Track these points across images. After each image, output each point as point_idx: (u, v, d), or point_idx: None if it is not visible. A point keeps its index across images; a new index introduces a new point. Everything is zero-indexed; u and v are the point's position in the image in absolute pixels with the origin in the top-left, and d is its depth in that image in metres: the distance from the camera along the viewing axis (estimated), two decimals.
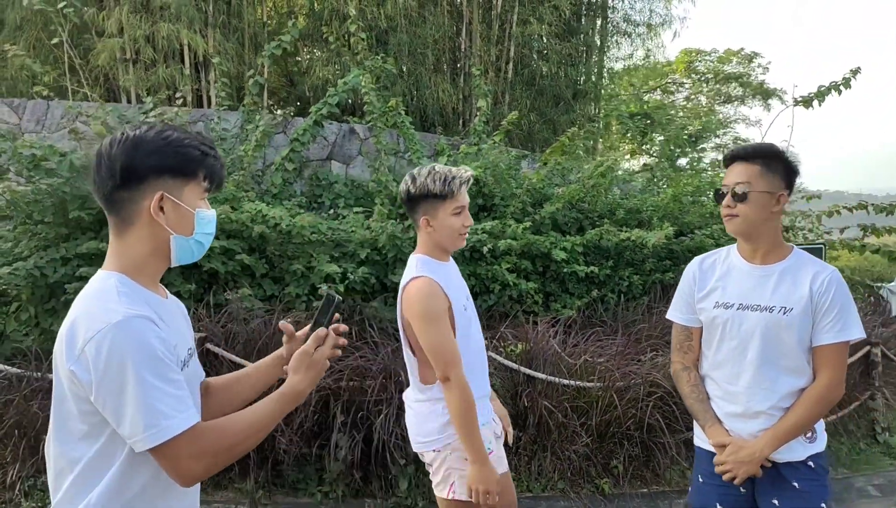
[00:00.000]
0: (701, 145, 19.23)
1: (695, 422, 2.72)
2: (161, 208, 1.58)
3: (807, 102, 7.35)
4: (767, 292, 2.53)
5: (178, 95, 7.01)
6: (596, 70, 13.29)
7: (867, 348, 6.44)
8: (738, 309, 2.57)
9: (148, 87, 9.10)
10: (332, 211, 7.28)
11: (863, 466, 6.04)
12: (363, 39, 7.78)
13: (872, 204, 7.61)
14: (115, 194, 1.57)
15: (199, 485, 1.70)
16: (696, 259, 2.78)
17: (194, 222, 1.63)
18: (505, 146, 7.89)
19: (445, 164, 6.81)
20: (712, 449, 2.62)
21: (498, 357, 5.20)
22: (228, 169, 7.13)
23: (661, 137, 9.15)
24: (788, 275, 2.53)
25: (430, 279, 2.66)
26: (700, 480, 2.73)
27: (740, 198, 2.50)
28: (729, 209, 2.54)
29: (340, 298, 1.83)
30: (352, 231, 6.31)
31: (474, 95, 8.36)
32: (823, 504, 2.49)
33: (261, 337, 5.12)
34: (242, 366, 4.83)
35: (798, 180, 2.68)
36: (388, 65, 8.11)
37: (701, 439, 2.71)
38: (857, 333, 2.47)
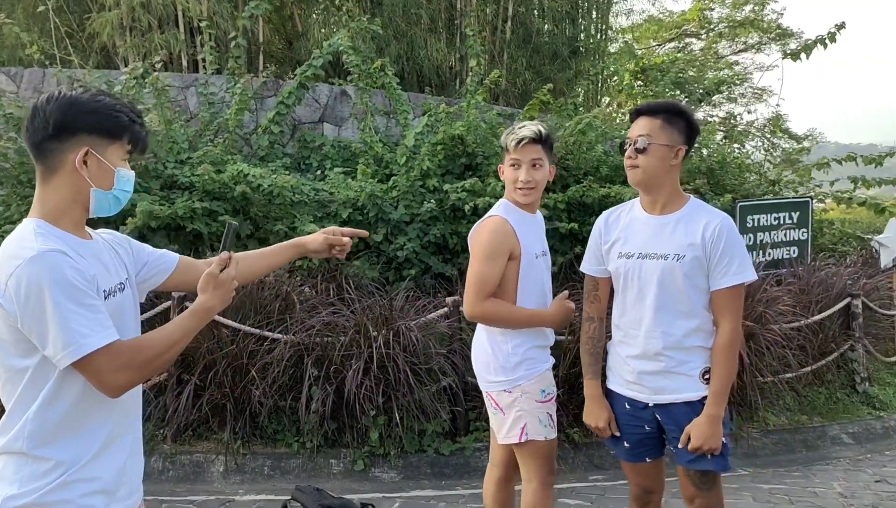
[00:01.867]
0: (714, 98, 19.02)
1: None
2: (85, 163, 1.75)
3: (794, 55, 7.29)
4: (664, 240, 2.64)
5: (157, 60, 7.08)
6: (602, 26, 13.17)
7: (848, 299, 6.47)
8: (637, 258, 2.69)
9: (143, 53, 9.20)
10: (319, 172, 7.38)
11: (840, 415, 6.12)
12: (348, 0, 7.79)
13: (861, 156, 7.56)
14: (45, 143, 1.74)
15: (129, 403, 1.87)
16: (604, 213, 2.90)
17: (114, 179, 1.80)
18: (489, 104, 7.90)
19: (425, 124, 6.89)
20: (620, 392, 2.79)
21: None
22: (215, 131, 7.25)
23: (652, 93, 9.07)
24: (682, 223, 2.63)
25: (504, 219, 2.89)
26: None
27: (641, 150, 2.60)
28: (631, 161, 2.64)
29: (236, 224, 2.08)
30: (333, 191, 6.42)
31: (469, 56, 8.35)
32: (724, 438, 2.60)
33: (237, 294, 5.27)
34: (223, 324, 5.02)
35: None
36: (375, 25, 8.12)
37: (611, 383, 2.86)
38: (749, 275, 2.58)
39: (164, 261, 2.13)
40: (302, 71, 7.48)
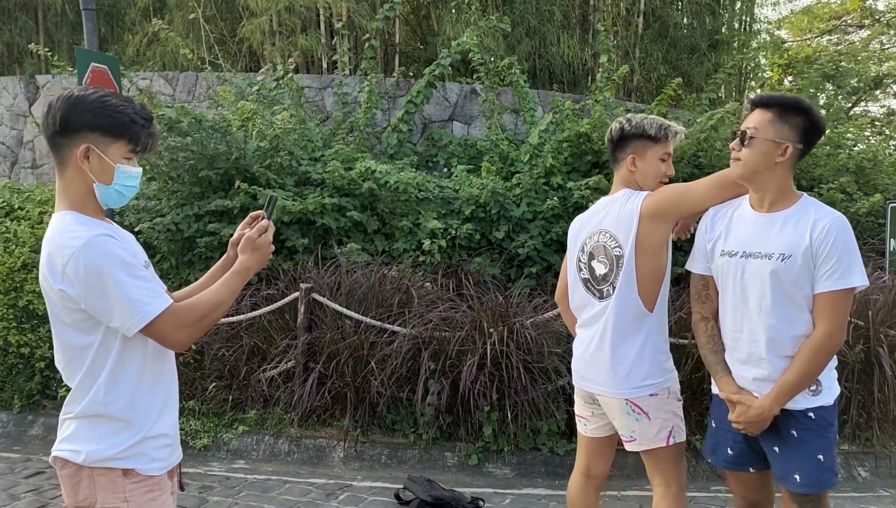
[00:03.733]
0: (874, 93, 17.64)
1: None
2: (87, 158, 1.91)
3: None
4: (770, 239, 2.49)
5: (291, 62, 7.44)
6: (745, 18, 12.53)
7: None
8: (741, 257, 2.55)
9: (287, 55, 9.68)
10: (445, 170, 7.49)
11: None
12: None
13: None
14: (55, 138, 1.91)
15: (173, 365, 2.10)
16: (711, 209, 2.74)
17: (114, 175, 1.94)
18: (619, 101, 7.72)
19: (550, 122, 6.83)
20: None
21: None
22: (348, 130, 7.53)
23: (798, 87, 8.52)
24: (791, 222, 2.48)
25: None
26: (713, 425, 2.78)
27: (745, 142, 2.48)
28: (735, 152, 2.53)
29: (276, 197, 2.24)
30: (458, 188, 6.50)
31: (601, 51, 8.19)
32: (820, 457, 2.46)
33: (360, 287, 5.47)
34: (346, 315, 5.22)
35: None
36: (504, 24, 8.13)
37: (715, 387, 2.74)
38: (857, 281, 2.39)
39: None
40: (430, 70, 7.62)
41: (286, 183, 6.37)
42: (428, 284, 5.79)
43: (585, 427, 3.07)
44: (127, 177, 1.98)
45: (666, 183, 2.85)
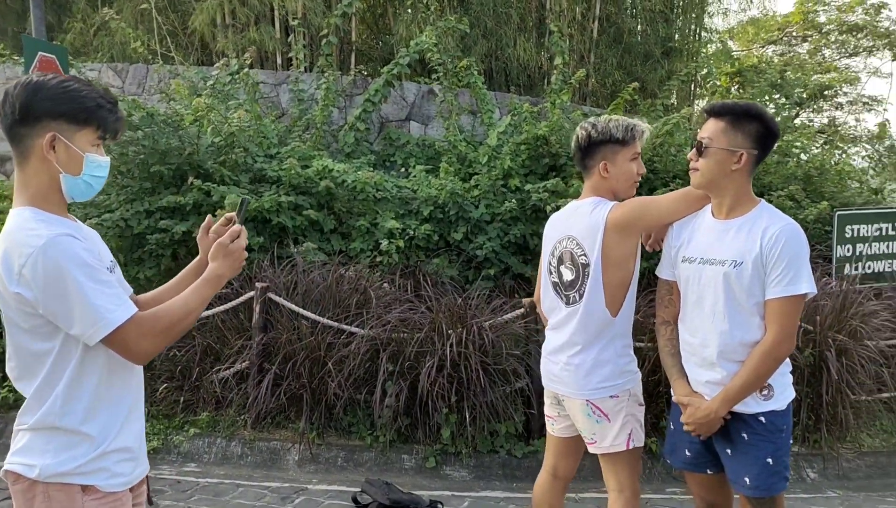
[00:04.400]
0: (817, 104, 18.15)
1: None
2: (53, 148, 1.78)
3: None
4: (724, 246, 2.54)
5: (247, 57, 7.30)
6: (696, 27, 12.78)
7: None
8: (699, 263, 2.61)
9: (240, 50, 9.49)
10: (403, 170, 7.45)
11: None
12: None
13: None
14: (14, 128, 1.78)
15: (139, 373, 1.98)
16: None
17: (83, 164, 1.82)
18: (576, 104, 7.78)
19: (509, 124, 6.84)
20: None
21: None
22: (304, 128, 7.42)
23: (748, 96, 8.74)
24: (744, 229, 2.53)
25: None
26: (672, 427, 2.83)
27: (701, 152, 2.52)
28: (692, 162, 2.57)
29: (249, 199, 2.15)
30: (416, 189, 6.46)
31: (555, 53, 8.24)
32: (769, 460, 2.51)
33: (317, 287, 5.39)
34: (303, 316, 5.13)
35: None
36: (462, 24, 8.12)
37: (673, 390, 2.79)
38: (804, 288, 2.43)
39: None
40: (388, 69, 7.56)
41: (241, 180, 6.24)
42: (386, 284, 5.74)
43: (553, 427, 3.08)
44: (96, 166, 1.85)
45: (638, 183, 2.86)
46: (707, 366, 2.59)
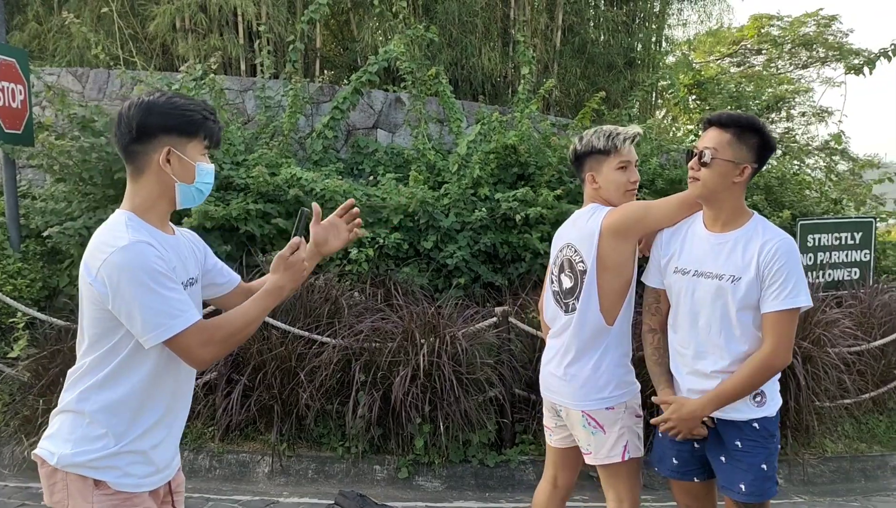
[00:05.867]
0: (770, 115, 18.54)
1: None
2: (168, 161, 1.94)
3: (857, 69, 7.11)
4: (720, 260, 2.56)
5: (213, 61, 7.19)
6: (655, 38, 12.98)
7: None
8: (693, 276, 2.61)
9: (203, 55, 9.35)
10: (371, 178, 7.40)
11: None
12: (404, 7, 7.81)
13: None
14: (131, 147, 1.93)
15: (185, 389, 2.10)
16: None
17: (195, 173, 1.99)
18: (542, 114, 7.83)
19: (478, 133, 6.86)
20: None
21: (519, 324, 5.27)
22: (271, 135, 7.34)
23: (709, 107, 8.89)
24: (741, 243, 2.55)
25: None
26: (659, 435, 2.83)
27: (705, 163, 2.52)
28: (693, 172, 2.57)
29: (308, 211, 2.18)
30: (384, 197, 6.42)
31: (521, 63, 8.28)
32: (764, 466, 2.54)
33: (287, 298, 5.30)
34: (273, 325, 5.06)
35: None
36: (430, 33, 8.12)
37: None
38: (802, 301, 2.46)
39: (222, 277, 2.28)
40: (357, 77, 7.52)
41: None
42: (356, 293, 5.70)
43: (551, 438, 3.08)
44: (206, 174, 2.02)
45: (635, 191, 2.86)
46: (701, 377, 2.60)
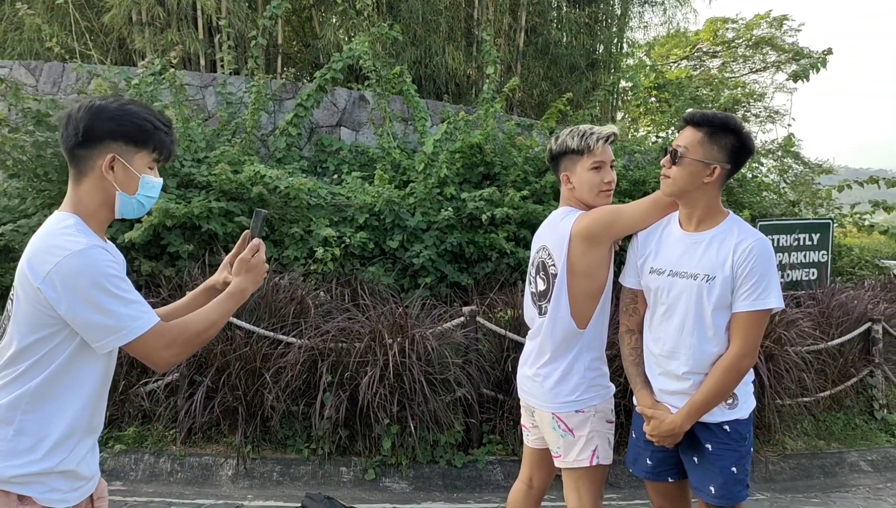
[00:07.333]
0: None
1: None
2: (112, 168, 1.86)
3: (797, 75, 7.32)
4: (695, 259, 2.56)
5: (173, 56, 7.04)
6: (616, 40, 13.11)
7: (868, 324, 6.38)
8: (669, 275, 2.61)
9: (161, 50, 9.15)
10: (335, 176, 7.33)
11: (858, 442, 6.02)
12: (368, 5, 7.74)
13: (883, 179, 7.49)
14: (76, 150, 1.85)
15: (104, 396, 1.99)
16: None
17: (139, 185, 1.92)
18: (506, 114, 7.83)
19: (444, 132, 6.83)
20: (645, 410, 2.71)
21: (487, 323, 5.26)
22: (232, 132, 7.21)
23: (673, 109, 9.00)
24: (715, 243, 2.55)
25: None
26: (634, 436, 2.84)
27: (675, 161, 2.52)
28: (665, 169, 2.57)
29: (266, 211, 2.19)
30: (349, 196, 6.36)
31: (486, 62, 8.28)
32: (734, 469, 2.55)
33: (251, 296, 5.21)
34: (237, 325, 4.96)
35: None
36: (394, 31, 8.07)
37: (635, 400, 2.80)
38: (773, 302, 2.47)
39: None
40: (322, 74, 7.43)
41: (168, 185, 5.99)
42: (322, 293, 5.62)
43: (528, 438, 3.06)
44: (150, 187, 1.95)
45: (610, 192, 2.81)
46: (672, 378, 2.60)
